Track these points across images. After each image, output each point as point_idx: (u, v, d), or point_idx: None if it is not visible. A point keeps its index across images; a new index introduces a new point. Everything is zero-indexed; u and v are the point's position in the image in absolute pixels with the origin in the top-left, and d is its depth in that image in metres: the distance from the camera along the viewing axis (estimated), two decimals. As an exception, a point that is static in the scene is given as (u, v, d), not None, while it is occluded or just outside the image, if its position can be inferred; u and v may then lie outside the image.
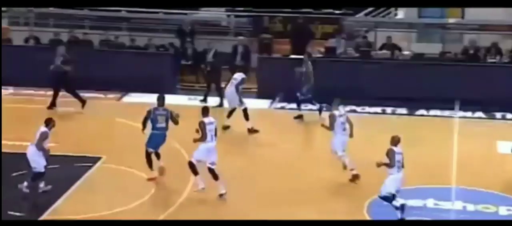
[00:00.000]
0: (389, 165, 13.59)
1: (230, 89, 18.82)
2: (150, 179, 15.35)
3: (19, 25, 24.49)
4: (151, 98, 19.53)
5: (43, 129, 14.67)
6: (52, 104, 19.76)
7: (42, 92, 20.95)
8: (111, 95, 20.81)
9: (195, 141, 14.69)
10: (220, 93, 20.55)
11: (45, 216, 13.81)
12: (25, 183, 14.58)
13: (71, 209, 14.18)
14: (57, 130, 16.70)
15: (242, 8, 24.59)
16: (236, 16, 24.55)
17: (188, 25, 23.61)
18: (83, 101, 19.82)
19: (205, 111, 14.94)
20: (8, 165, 15.72)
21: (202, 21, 24.39)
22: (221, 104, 20.43)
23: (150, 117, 15.38)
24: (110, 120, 18.79)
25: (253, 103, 20.98)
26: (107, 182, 15.41)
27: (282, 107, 20.97)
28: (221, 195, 14.57)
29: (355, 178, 15.34)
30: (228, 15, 24.75)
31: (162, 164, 15.47)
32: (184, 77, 23.28)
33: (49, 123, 14.79)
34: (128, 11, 24.25)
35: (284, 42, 23.88)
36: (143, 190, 14.95)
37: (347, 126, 15.62)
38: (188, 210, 14.31)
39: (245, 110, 18.66)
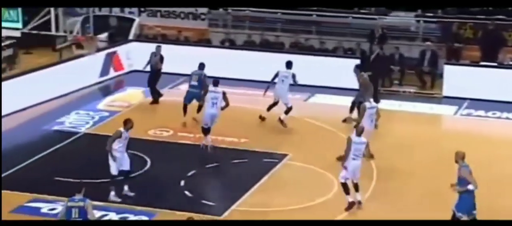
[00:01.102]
0: (345, 152, 14.35)
1: (281, 86, 18.85)
2: (183, 124, 18.67)
3: (218, 27, 25.98)
4: (338, 101, 20.19)
5: (119, 128, 14.64)
6: (155, 101, 20.77)
7: (234, 90, 22.08)
8: (298, 96, 21.54)
9: (199, 108, 18.08)
10: (376, 94, 20.75)
11: (234, 207, 14.66)
12: (112, 192, 14.74)
13: (258, 202, 14.93)
14: (248, 126, 17.76)
15: (431, 14, 24.54)
16: (425, 21, 24.53)
17: (378, 29, 23.93)
18: (156, 100, 20.71)
19: (216, 82, 17.35)
20: (205, 157, 16.93)
21: (392, 26, 24.58)
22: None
23: (189, 76, 19.01)
24: (297, 119, 19.50)
25: (439, 109, 20.98)
26: (292, 178, 15.99)
27: (468, 114, 20.73)
28: (212, 146, 17.00)
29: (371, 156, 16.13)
30: (418, 21, 24.77)
31: (195, 117, 18.63)
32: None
33: (126, 123, 14.64)
34: (318, 15, 24.97)
35: (473, 48, 23.54)
36: (326, 188, 15.36)
37: (375, 117, 16.55)
38: (369, 209, 14.64)
39: (289, 108, 18.75)
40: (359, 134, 14.53)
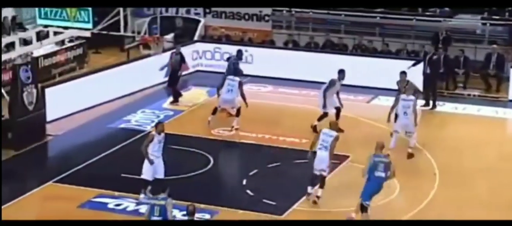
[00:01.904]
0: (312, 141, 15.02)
1: (318, 93, 18.91)
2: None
3: (281, 28, 26.17)
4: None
5: (152, 132, 14.87)
6: (176, 100, 21.02)
7: (296, 91, 22.27)
8: (361, 97, 21.52)
9: (218, 93, 19.14)
10: (434, 97, 20.74)
11: (295, 206, 14.87)
12: (149, 187, 14.67)
13: (319, 202, 15.01)
14: (309, 126, 17.80)
15: (498, 17, 24.23)
16: (492, 24, 24.22)
17: (443, 31, 23.73)
18: (177, 99, 20.95)
19: (236, 72, 18.89)
20: (267, 157, 17.13)
21: (457, 28, 24.35)
22: (433, 106, 20.76)
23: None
24: (359, 121, 19.54)
25: (504, 113, 20.72)
26: (353, 179, 15.93)
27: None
28: (235, 128, 18.46)
29: (409, 156, 16.76)
30: (484, 23, 24.48)
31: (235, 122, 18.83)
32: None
33: (157, 126, 14.80)
34: (382, 17, 24.92)
35: (541, 52, 23.18)
36: (388, 190, 15.21)
37: (410, 111, 16.74)
38: (433, 210, 14.63)
39: (324, 115, 18.56)
40: (331, 128, 14.84)
